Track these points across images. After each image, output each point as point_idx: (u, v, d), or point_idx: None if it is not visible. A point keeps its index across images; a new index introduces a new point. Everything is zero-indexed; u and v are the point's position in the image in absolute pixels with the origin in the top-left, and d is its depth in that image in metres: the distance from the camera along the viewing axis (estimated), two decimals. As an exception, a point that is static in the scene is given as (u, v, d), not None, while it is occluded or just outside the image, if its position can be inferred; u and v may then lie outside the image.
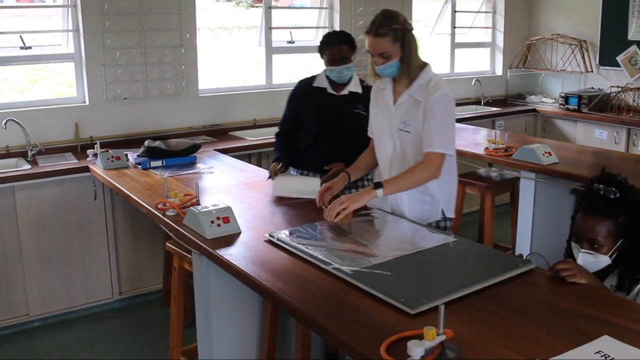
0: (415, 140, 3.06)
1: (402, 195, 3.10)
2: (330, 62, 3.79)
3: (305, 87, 3.96)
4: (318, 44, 3.88)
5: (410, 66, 3.02)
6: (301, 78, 4.08)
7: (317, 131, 3.89)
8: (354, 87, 3.88)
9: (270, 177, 3.71)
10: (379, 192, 2.92)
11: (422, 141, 3.00)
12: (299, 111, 3.96)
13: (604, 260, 2.45)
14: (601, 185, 2.52)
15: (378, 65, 3.03)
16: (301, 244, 2.65)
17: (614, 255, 2.47)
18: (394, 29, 2.96)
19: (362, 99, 3.81)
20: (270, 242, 2.75)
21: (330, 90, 3.88)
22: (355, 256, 2.52)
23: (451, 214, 3.21)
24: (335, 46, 3.77)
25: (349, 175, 3.32)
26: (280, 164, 3.72)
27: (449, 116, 3.03)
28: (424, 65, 3.08)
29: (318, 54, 3.89)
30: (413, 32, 3.05)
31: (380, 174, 3.31)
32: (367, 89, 3.86)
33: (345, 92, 3.87)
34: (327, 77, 3.87)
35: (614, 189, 2.49)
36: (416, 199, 3.12)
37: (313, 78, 3.96)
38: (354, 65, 3.86)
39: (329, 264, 2.44)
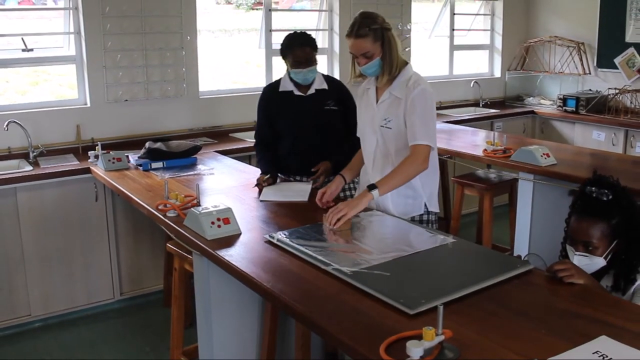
0: (397, 136, 3.15)
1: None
2: (295, 64, 3.72)
3: (272, 93, 3.90)
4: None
5: (391, 64, 3.09)
6: (266, 85, 4.06)
7: (293, 135, 3.85)
8: (319, 84, 3.84)
9: (257, 185, 3.68)
10: (375, 193, 2.93)
11: (407, 136, 3.07)
12: (271, 118, 3.90)
13: (599, 262, 2.45)
14: (594, 188, 2.51)
15: (362, 65, 3.10)
16: (301, 245, 2.65)
17: (609, 257, 2.47)
18: (373, 29, 3.03)
19: (330, 94, 3.81)
20: (270, 242, 2.75)
21: (297, 92, 3.83)
22: (355, 257, 2.52)
23: (434, 208, 3.26)
24: (299, 49, 3.71)
25: (344, 177, 3.34)
26: (268, 176, 3.69)
27: (429, 110, 3.09)
28: (405, 63, 3.15)
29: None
30: (392, 31, 3.11)
31: (365, 171, 3.33)
32: (332, 83, 3.89)
33: (311, 91, 3.82)
34: (292, 80, 3.83)
35: (606, 191, 2.48)
36: (400, 194, 3.15)
37: (278, 82, 3.90)
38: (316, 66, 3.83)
39: (328, 264, 2.44)
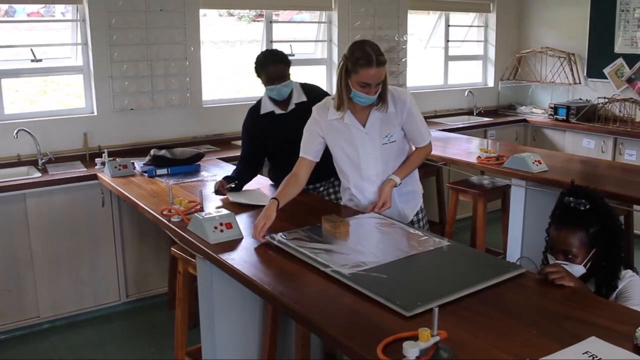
0: (399, 146, 3.24)
1: (393, 193, 3.22)
2: (269, 81, 3.64)
3: (255, 117, 3.82)
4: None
5: (386, 86, 3.09)
6: (250, 107, 3.91)
7: (286, 152, 3.62)
8: (298, 97, 3.75)
9: (216, 192, 3.58)
10: (397, 179, 3.21)
11: (413, 139, 3.29)
12: (258, 142, 3.80)
13: (579, 270, 2.45)
14: (571, 198, 2.52)
15: (373, 94, 3.01)
16: (300, 247, 2.66)
17: (589, 264, 2.48)
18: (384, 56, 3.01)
19: (310, 104, 3.61)
20: (270, 245, 2.75)
21: (278, 111, 3.74)
22: (352, 259, 2.52)
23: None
24: (272, 66, 3.63)
25: (279, 202, 3.00)
26: (231, 185, 3.61)
27: (419, 111, 3.28)
28: None
29: (256, 75, 3.75)
30: None
31: (360, 189, 3.29)
32: (310, 92, 3.78)
33: (292, 106, 3.73)
34: (271, 99, 3.75)
35: (583, 200, 2.49)
36: (401, 192, 3.30)
37: (259, 104, 3.82)
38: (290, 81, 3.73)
39: (327, 266, 2.45)
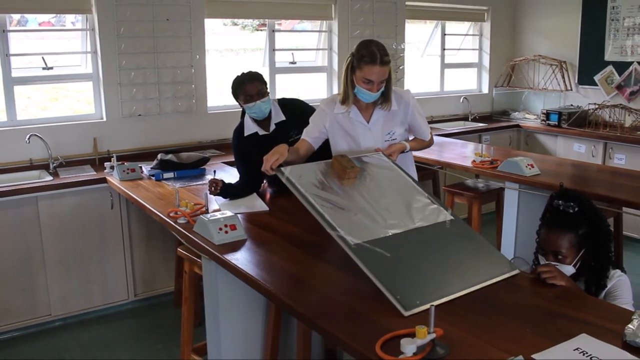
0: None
1: None
2: (248, 99, 3.55)
3: (241, 137, 3.72)
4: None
5: (390, 86, 3.12)
6: (234, 129, 3.80)
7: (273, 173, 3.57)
8: (277, 117, 3.66)
9: (211, 189, 3.52)
10: (407, 145, 3.27)
11: (418, 134, 3.36)
12: (250, 162, 3.66)
13: (569, 270, 2.46)
14: (560, 201, 2.53)
15: (375, 91, 3.04)
16: (308, 194, 2.60)
17: (578, 264, 2.49)
18: (389, 56, 3.03)
19: (289, 123, 3.64)
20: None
21: (261, 132, 3.66)
22: (359, 222, 2.49)
23: None
24: (249, 83, 3.56)
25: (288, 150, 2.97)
26: (221, 183, 3.55)
27: (420, 109, 3.35)
28: None
29: (236, 99, 3.66)
30: None
31: None
32: (287, 108, 3.70)
33: (272, 127, 3.65)
34: (252, 119, 3.67)
35: (572, 203, 2.50)
36: None
37: (242, 125, 3.73)
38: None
39: (334, 229, 2.41)
